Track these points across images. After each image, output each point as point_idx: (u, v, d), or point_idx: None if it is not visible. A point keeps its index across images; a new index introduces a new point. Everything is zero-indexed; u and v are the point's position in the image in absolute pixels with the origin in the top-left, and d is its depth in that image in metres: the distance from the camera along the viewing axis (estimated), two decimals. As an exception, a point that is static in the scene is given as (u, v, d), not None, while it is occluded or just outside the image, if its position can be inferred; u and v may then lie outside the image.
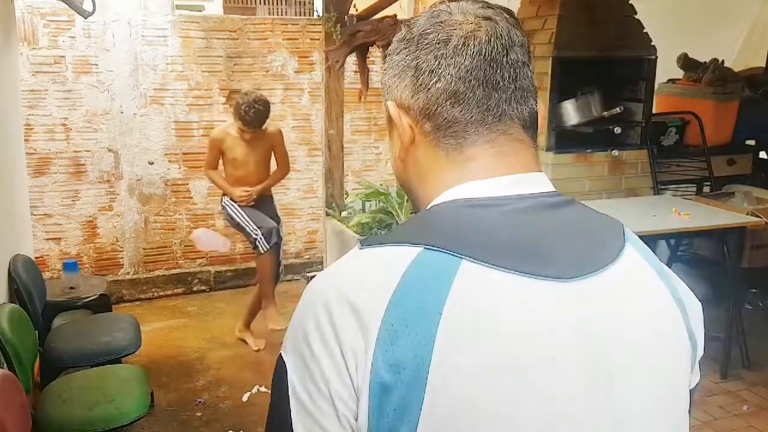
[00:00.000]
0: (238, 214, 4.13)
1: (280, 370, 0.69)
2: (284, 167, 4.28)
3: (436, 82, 0.73)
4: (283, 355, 0.69)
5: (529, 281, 0.66)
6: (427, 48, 0.74)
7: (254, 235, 4.13)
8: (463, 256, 0.66)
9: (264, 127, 4.03)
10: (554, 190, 0.76)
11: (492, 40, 0.73)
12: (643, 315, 0.72)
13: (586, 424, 0.67)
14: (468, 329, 0.64)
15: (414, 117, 0.76)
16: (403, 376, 0.62)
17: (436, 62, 0.73)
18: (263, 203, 4.20)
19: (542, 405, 0.65)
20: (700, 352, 0.79)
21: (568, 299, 0.68)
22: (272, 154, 4.18)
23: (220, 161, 4.15)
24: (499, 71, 0.73)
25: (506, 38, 0.74)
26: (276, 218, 4.27)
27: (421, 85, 0.74)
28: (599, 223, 0.77)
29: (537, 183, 0.75)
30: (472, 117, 0.73)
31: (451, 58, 0.73)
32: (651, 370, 0.72)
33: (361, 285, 0.66)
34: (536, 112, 0.77)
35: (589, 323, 0.68)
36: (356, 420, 0.64)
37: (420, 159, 0.77)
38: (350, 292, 0.66)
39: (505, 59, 0.73)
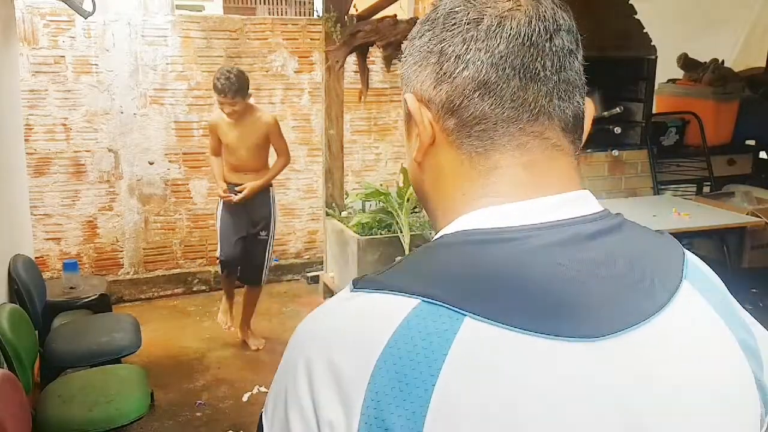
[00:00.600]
0: (218, 220, 4.21)
1: None
2: (283, 156, 4.16)
3: (463, 69, 0.61)
4: (263, 416, 0.60)
5: (551, 344, 0.54)
6: (454, 29, 0.62)
7: (218, 252, 4.25)
8: (466, 313, 0.54)
9: (258, 115, 4.04)
10: (596, 211, 0.62)
11: (533, 21, 0.61)
12: (697, 372, 0.59)
13: None
14: (466, 406, 0.52)
15: (435, 112, 0.64)
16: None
17: (464, 46, 0.61)
18: (258, 203, 4.15)
19: None
20: None
21: (603, 364, 0.55)
22: (269, 145, 4.11)
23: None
24: (540, 59, 0.60)
25: (551, 20, 0.61)
26: (267, 218, 4.19)
27: (445, 73, 0.62)
28: (652, 254, 0.63)
29: (575, 205, 0.62)
30: (504, 113, 0.61)
31: (483, 41, 0.60)
32: None
33: (345, 344, 0.56)
34: (582, 112, 0.65)
35: (629, 390, 0.56)
36: None
37: (440, 163, 0.65)
38: (332, 352, 0.55)
39: (548, 45, 0.61)
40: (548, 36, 0.61)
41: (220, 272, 4.36)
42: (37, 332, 3.13)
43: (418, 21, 0.68)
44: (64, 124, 4.76)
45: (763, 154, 4.91)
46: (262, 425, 0.60)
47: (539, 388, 0.54)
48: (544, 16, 0.61)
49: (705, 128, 4.45)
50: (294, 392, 0.56)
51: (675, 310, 0.59)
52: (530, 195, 0.61)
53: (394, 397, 0.53)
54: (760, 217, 3.66)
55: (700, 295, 0.62)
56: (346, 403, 0.54)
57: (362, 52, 4.20)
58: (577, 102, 0.64)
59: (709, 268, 0.68)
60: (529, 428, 0.53)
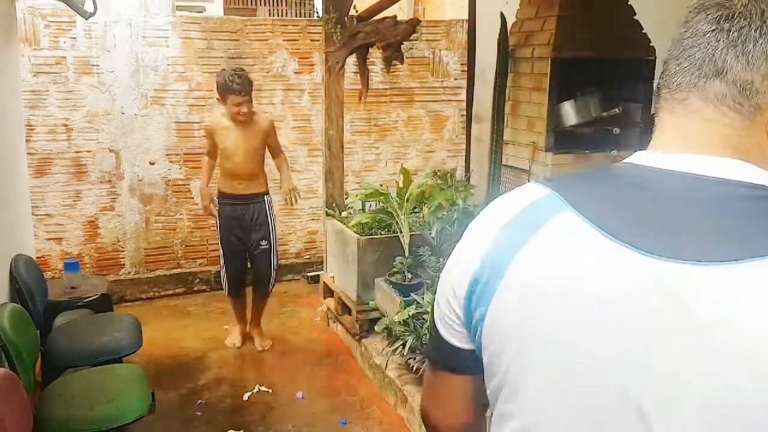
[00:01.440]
0: (218, 231, 4.18)
1: None
2: (281, 154, 4.26)
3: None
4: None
5: (614, 245, 0.70)
6: None
7: (222, 269, 4.20)
8: (569, 206, 0.75)
9: (256, 118, 4.05)
10: (712, 176, 0.72)
11: (711, 14, 0.75)
12: (739, 328, 0.64)
13: (611, 402, 0.69)
14: (534, 264, 0.75)
15: None
16: (484, 279, 0.79)
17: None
18: (254, 212, 4.13)
19: (574, 363, 0.71)
20: None
21: (653, 277, 0.67)
22: (265, 150, 4.13)
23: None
24: (695, 45, 0.75)
25: (727, 15, 0.74)
26: (266, 227, 4.16)
27: None
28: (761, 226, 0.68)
29: (700, 166, 0.73)
30: (664, 82, 0.79)
31: (679, 31, 0.79)
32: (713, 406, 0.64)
33: (500, 208, 0.83)
34: (730, 94, 0.73)
35: (665, 312, 0.67)
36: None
37: None
38: (494, 211, 0.84)
39: (709, 34, 0.74)
40: (712, 27, 0.74)
41: (227, 294, 4.27)
42: (38, 332, 3.14)
43: None
44: (66, 125, 4.78)
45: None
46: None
47: (590, 273, 0.71)
48: (727, 13, 0.74)
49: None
50: (469, 229, 0.86)
51: (752, 268, 0.65)
52: (673, 150, 0.76)
53: (504, 245, 0.78)
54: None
55: None
56: (483, 241, 0.81)
57: (362, 53, 4.20)
58: (721, 83, 0.74)
59: None
60: (566, 299, 0.72)
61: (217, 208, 4.17)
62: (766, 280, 0.64)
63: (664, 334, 0.66)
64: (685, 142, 0.75)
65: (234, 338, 4.32)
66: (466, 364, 0.88)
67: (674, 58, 0.77)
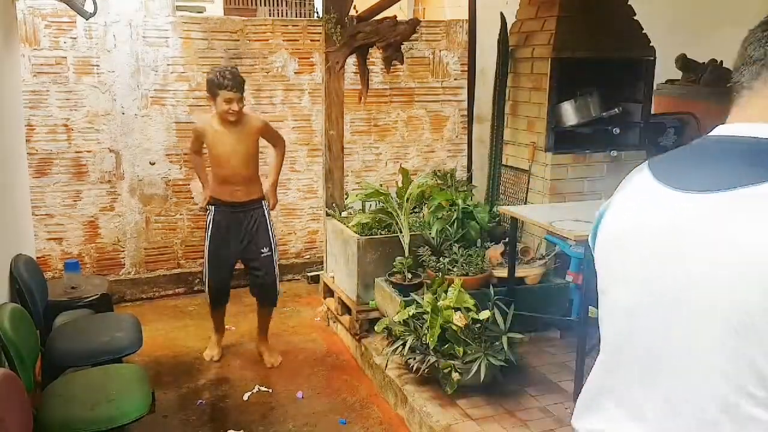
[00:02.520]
0: (207, 240, 3.96)
1: None
2: (279, 144, 4.09)
3: None
4: None
5: (660, 186, 1.01)
6: None
7: (205, 278, 4.00)
8: (647, 167, 1.06)
9: (246, 119, 3.87)
10: (745, 135, 0.98)
11: (761, 28, 1.01)
12: (720, 238, 0.90)
13: (655, 306, 0.98)
14: (617, 206, 1.08)
15: None
16: (596, 227, 1.13)
17: None
18: (253, 218, 3.96)
19: (633, 267, 1.02)
20: None
21: (678, 204, 0.97)
22: (258, 152, 3.99)
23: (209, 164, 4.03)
24: (754, 50, 1.01)
25: None
26: (265, 232, 3.99)
27: None
28: (753, 163, 0.94)
29: (741, 130, 0.99)
30: (734, 80, 1.03)
31: (743, 46, 1.04)
32: (711, 284, 0.90)
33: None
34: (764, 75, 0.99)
35: (680, 224, 0.95)
36: None
37: None
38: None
39: (762, 40, 1.00)
40: (759, 36, 1.00)
41: (210, 306, 4.11)
42: (38, 332, 3.14)
43: None
44: (66, 125, 4.79)
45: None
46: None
47: (646, 208, 1.02)
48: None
49: (703, 129, 4.46)
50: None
51: (736, 193, 0.91)
52: (732, 121, 1.02)
53: (599, 213, 1.12)
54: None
55: None
56: (599, 212, 1.14)
57: (362, 54, 4.20)
58: (760, 69, 1.00)
59: None
60: (630, 225, 1.04)
61: (209, 216, 3.98)
62: (747, 203, 0.89)
63: (676, 249, 0.95)
64: (743, 116, 1.01)
65: (212, 350, 4.15)
66: None
67: (740, 60, 1.02)
